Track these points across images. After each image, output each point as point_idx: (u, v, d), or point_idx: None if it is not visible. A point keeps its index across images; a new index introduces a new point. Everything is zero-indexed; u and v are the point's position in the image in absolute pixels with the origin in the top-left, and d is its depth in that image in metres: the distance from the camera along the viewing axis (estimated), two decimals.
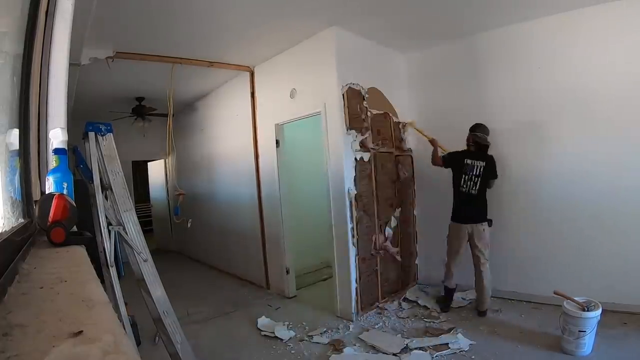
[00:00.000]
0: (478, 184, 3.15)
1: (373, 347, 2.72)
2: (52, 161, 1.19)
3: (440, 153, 3.43)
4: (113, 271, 1.85)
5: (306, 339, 2.96)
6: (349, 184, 3.28)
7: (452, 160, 3.30)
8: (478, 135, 3.22)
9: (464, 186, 3.19)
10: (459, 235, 3.21)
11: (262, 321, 3.31)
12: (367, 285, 3.42)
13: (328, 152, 3.39)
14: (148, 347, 2.82)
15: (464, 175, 3.19)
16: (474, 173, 3.16)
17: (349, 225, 3.27)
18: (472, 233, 3.15)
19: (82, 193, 1.86)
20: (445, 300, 3.36)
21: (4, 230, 0.85)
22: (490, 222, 3.20)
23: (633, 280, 2.86)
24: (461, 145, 3.93)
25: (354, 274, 3.28)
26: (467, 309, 3.31)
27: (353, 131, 3.35)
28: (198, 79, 4.64)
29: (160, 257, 7.08)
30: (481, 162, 3.17)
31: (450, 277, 3.31)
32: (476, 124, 3.26)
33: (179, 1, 2.65)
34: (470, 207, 3.19)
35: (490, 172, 3.20)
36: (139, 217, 2.02)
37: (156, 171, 7.72)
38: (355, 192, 3.32)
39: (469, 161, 3.20)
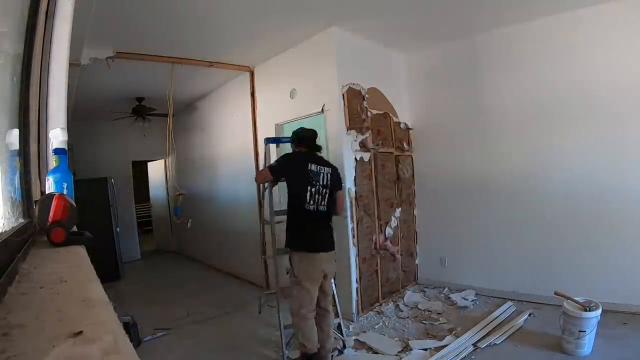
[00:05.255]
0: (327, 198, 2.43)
1: (373, 348, 2.72)
2: (52, 161, 1.19)
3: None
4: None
5: None
6: (349, 184, 3.28)
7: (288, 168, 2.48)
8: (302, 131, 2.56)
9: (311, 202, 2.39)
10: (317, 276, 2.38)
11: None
12: (368, 285, 3.42)
13: (328, 152, 3.39)
14: (148, 348, 2.82)
15: (310, 187, 2.38)
16: (322, 183, 2.41)
17: (350, 225, 3.26)
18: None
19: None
20: None
21: (4, 230, 0.85)
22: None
23: (633, 280, 2.86)
24: (461, 147, 3.91)
25: (354, 274, 3.28)
26: (468, 309, 3.31)
27: (353, 131, 3.35)
28: (198, 79, 4.64)
29: (160, 257, 7.09)
30: (327, 169, 2.46)
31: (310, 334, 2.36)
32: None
33: (179, 1, 2.65)
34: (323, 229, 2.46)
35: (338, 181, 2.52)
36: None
37: (156, 171, 7.72)
38: (356, 192, 3.32)
39: (313, 167, 2.41)
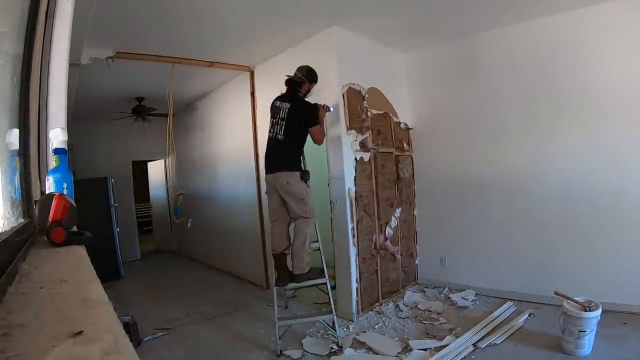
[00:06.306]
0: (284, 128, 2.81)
1: (373, 348, 2.72)
2: (52, 161, 1.19)
3: None
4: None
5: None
6: (349, 184, 3.28)
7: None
8: (295, 74, 2.90)
9: (272, 130, 2.90)
10: (268, 190, 2.92)
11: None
12: (368, 285, 3.41)
13: (328, 152, 3.39)
14: (148, 348, 2.82)
15: (271, 119, 2.93)
16: (280, 116, 2.85)
17: (350, 225, 3.26)
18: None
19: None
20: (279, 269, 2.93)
21: (4, 230, 0.85)
22: (303, 175, 2.80)
23: (633, 280, 2.86)
24: (461, 147, 3.93)
25: (354, 274, 3.28)
26: (468, 309, 3.31)
27: (353, 131, 3.34)
28: (198, 79, 4.64)
29: (160, 257, 7.09)
30: (287, 104, 2.84)
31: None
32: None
33: (179, 1, 2.65)
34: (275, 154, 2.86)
35: (296, 115, 2.80)
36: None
37: (156, 171, 7.72)
38: (356, 192, 3.32)
39: (277, 103, 2.92)
